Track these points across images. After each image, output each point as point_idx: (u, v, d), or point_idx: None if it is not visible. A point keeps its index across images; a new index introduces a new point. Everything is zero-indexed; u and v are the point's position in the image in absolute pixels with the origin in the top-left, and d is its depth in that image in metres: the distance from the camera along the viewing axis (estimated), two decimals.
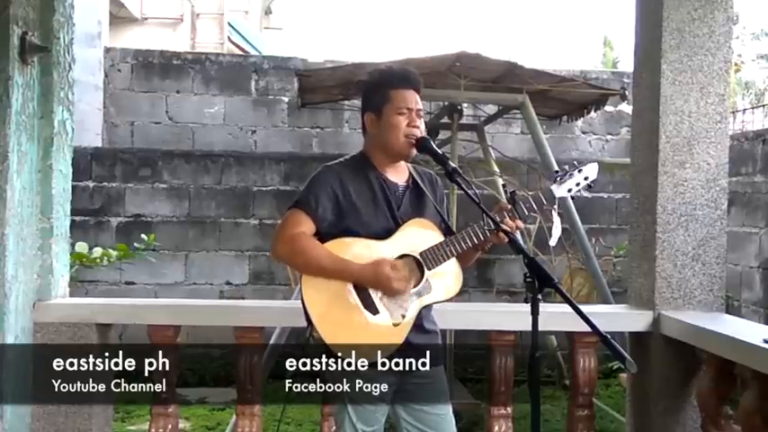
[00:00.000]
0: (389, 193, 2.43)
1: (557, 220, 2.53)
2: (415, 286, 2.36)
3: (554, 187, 2.44)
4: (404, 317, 2.34)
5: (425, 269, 2.36)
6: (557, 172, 2.50)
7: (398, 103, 2.41)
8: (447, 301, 2.44)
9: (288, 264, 2.60)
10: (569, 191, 2.45)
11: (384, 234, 2.37)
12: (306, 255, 2.33)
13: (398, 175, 2.48)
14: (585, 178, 2.46)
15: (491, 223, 2.30)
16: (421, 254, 2.36)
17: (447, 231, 2.46)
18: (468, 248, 2.38)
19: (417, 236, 2.39)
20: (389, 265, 2.31)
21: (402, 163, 2.50)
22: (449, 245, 2.37)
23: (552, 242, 2.68)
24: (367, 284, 2.32)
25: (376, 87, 2.47)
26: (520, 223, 2.36)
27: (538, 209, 2.43)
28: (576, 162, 2.51)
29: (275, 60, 9.41)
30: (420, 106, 2.44)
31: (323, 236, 2.36)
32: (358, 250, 2.34)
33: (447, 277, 2.41)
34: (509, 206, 2.38)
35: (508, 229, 2.29)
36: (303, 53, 9.68)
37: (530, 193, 2.45)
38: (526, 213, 2.40)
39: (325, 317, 2.31)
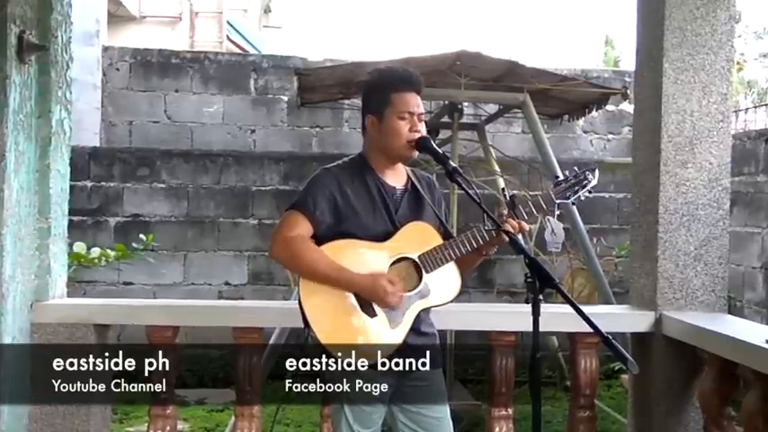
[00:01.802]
0: (387, 196, 2.41)
1: (557, 225, 2.52)
2: (413, 290, 2.34)
3: (554, 194, 2.42)
4: (401, 320, 2.32)
5: (424, 272, 2.35)
6: (557, 177, 2.49)
7: (400, 107, 2.38)
8: (445, 304, 2.42)
9: (284, 266, 2.59)
10: (568, 197, 2.44)
11: (382, 237, 2.36)
12: (302, 259, 2.31)
13: (397, 178, 2.46)
14: (585, 184, 2.44)
15: (492, 223, 2.28)
16: (419, 257, 2.35)
17: (445, 235, 2.44)
18: (468, 252, 2.36)
19: (415, 239, 2.37)
20: (387, 280, 2.29)
21: (400, 166, 2.48)
22: (447, 248, 2.35)
23: (550, 248, 2.67)
24: (362, 294, 2.30)
25: (377, 89, 2.44)
26: (525, 224, 2.34)
27: (538, 212, 2.42)
28: (576, 167, 2.50)
29: (274, 59, 9.38)
30: (421, 110, 2.42)
31: (320, 238, 2.34)
32: (355, 253, 2.32)
33: (445, 281, 2.39)
34: (508, 209, 2.36)
35: (509, 229, 2.27)
36: (303, 52, 9.64)
37: (531, 194, 2.44)
38: (526, 218, 2.38)
39: (323, 319, 2.29)
